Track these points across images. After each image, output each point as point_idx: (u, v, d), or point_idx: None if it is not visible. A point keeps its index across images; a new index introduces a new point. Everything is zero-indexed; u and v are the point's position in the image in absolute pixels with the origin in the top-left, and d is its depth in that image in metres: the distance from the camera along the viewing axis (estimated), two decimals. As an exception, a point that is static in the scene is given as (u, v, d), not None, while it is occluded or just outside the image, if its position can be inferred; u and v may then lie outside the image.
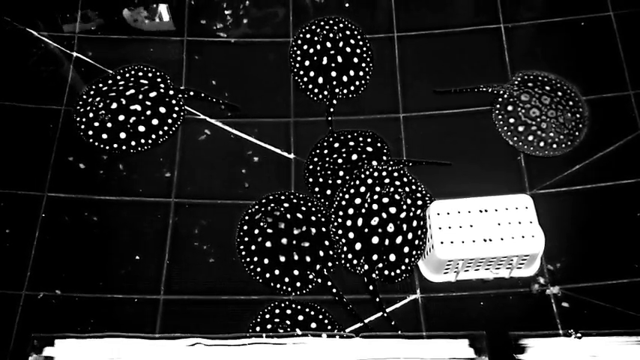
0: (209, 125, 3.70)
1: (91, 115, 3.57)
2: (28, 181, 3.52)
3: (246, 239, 3.30)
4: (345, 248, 3.22)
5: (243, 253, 3.28)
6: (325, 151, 3.52)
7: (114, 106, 3.56)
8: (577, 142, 3.50)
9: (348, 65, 3.74)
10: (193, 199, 3.51)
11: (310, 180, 3.48)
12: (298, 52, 3.83)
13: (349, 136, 3.56)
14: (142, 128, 3.56)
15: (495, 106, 3.60)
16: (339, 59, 3.74)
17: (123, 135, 3.54)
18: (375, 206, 3.21)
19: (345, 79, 3.73)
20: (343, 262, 3.24)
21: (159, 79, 3.73)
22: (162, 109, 3.62)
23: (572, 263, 3.27)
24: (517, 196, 3.15)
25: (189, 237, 3.41)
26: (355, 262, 3.20)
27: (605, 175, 3.46)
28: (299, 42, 3.86)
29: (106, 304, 3.24)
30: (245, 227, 3.33)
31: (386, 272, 3.19)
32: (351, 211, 3.26)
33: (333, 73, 3.72)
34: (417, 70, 3.81)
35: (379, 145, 3.54)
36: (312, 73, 3.75)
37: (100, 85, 3.69)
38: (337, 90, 3.71)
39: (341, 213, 3.28)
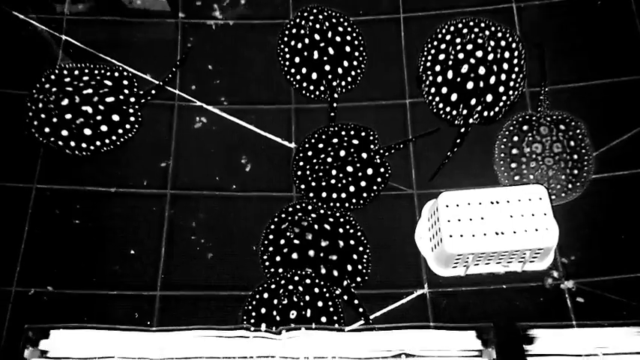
0: (205, 112, 3.60)
1: (40, 105, 3.40)
2: (16, 173, 3.44)
3: (271, 249, 3.20)
4: (441, 105, 3.38)
5: (267, 263, 3.18)
6: (309, 153, 3.38)
7: (65, 102, 3.40)
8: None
9: (341, 56, 3.59)
10: (190, 190, 3.43)
11: (302, 187, 3.34)
12: (286, 50, 3.65)
13: (329, 133, 3.43)
14: (87, 131, 3.41)
15: (521, 113, 3.44)
16: (331, 51, 3.57)
17: (65, 133, 3.39)
18: (460, 55, 3.38)
19: (340, 71, 3.57)
20: (443, 116, 3.40)
21: (125, 82, 3.56)
22: (116, 117, 3.46)
23: (587, 256, 3.21)
24: (531, 186, 3.06)
25: (186, 230, 3.34)
26: (455, 112, 3.37)
27: (620, 164, 3.37)
28: (285, 38, 3.68)
29: (100, 300, 3.18)
30: (270, 236, 3.23)
31: (485, 113, 3.36)
32: (437, 68, 3.41)
33: (327, 67, 3.56)
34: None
35: (364, 134, 3.42)
36: (304, 70, 3.59)
37: (64, 72, 3.52)
38: (334, 83, 3.55)
39: (429, 73, 3.43)
